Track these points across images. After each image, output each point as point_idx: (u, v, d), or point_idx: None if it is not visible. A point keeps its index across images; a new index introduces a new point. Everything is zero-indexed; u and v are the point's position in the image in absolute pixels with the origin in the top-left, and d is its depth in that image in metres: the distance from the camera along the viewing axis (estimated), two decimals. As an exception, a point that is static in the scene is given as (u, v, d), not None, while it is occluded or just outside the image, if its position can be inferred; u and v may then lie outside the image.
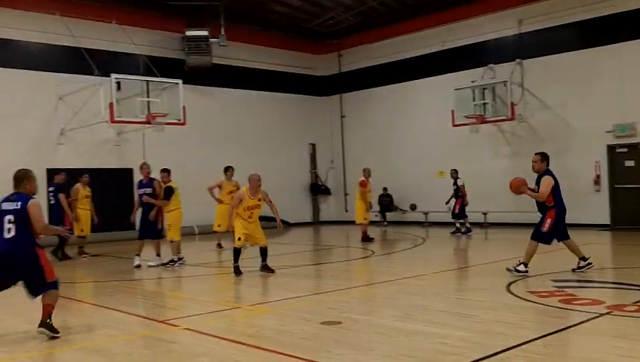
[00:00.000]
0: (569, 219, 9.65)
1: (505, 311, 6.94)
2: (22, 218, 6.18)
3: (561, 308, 7.01)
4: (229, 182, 15.13)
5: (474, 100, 19.47)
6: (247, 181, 10.60)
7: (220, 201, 14.98)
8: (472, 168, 19.39)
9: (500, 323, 6.34)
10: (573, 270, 9.44)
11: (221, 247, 14.87)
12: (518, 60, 19.33)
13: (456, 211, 17.59)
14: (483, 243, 16.11)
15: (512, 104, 18.85)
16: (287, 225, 23.66)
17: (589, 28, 17.98)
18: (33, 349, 5.89)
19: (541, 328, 6.15)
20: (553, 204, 9.36)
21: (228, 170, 15.31)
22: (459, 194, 17.56)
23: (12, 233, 6.18)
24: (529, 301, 7.48)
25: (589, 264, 9.49)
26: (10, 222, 6.19)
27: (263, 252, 10.70)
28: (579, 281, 8.89)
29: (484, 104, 19.41)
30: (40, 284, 6.30)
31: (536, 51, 18.98)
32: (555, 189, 9.41)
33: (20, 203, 6.24)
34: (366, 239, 15.84)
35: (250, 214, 10.45)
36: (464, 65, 20.61)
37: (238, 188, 14.24)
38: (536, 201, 9.54)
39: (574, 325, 6.24)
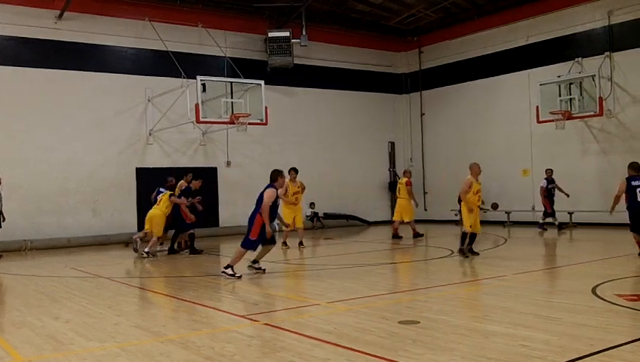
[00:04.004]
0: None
1: (591, 315, 6.71)
2: None
3: (651, 312, 6.72)
4: (294, 183, 15.17)
5: (560, 96, 18.86)
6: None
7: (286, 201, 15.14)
8: (559, 166, 18.79)
9: (585, 327, 6.14)
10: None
11: (287, 246, 15.10)
12: (607, 53, 18.57)
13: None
14: (568, 244, 15.58)
15: (601, 99, 18.12)
16: (366, 223, 23.72)
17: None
18: (123, 340, 6.19)
19: (629, 333, 5.91)
20: None
21: (290, 171, 15.10)
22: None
23: None
24: (616, 304, 7.19)
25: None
26: None
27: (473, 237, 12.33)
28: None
29: (571, 99, 18.76)
30: None
31: (627, 43, 18.18)
32: None
33: None
34: (417, 235, 17.03)
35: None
36: (549, 60, 20.02)
37: (303, 189, 15.27)
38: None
39: (665, 331, 5.96)
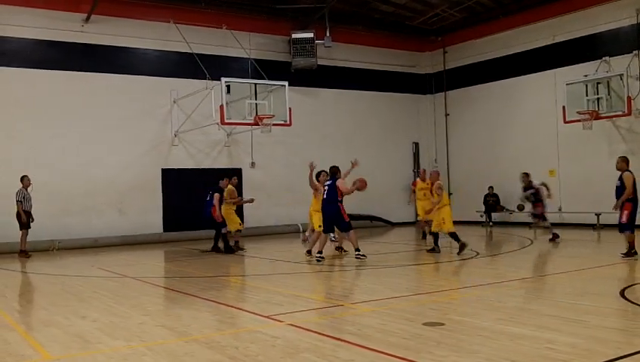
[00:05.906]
0: None
1: (618, 318, 6.62)
2: None
3: (681, 316, 6.60)
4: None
5: (587, 95, 18.60)
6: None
7: None
8: (586, 167, 18.54)
9: (613, 330, 6.05)
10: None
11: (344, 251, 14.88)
12: (635, 52, 18.25)
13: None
14: (596, 246, 15.36)
15: (629, 98, 17.83)
16: (390, 224, 23.64)
17: None
18: (148, 339, 6.25)
19: (658, 337, 5.81)
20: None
21: (322, 174, 13.95)
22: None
23: None
24: (645, 307, 7.09)
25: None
26: None
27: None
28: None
29: (598, 99, 18.49)
30: None
31: (657, 42, 17.85)
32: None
33: None
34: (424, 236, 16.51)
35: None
36: (576, 59, 19.74)
37: None
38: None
39: (696, 335, 5.85)
